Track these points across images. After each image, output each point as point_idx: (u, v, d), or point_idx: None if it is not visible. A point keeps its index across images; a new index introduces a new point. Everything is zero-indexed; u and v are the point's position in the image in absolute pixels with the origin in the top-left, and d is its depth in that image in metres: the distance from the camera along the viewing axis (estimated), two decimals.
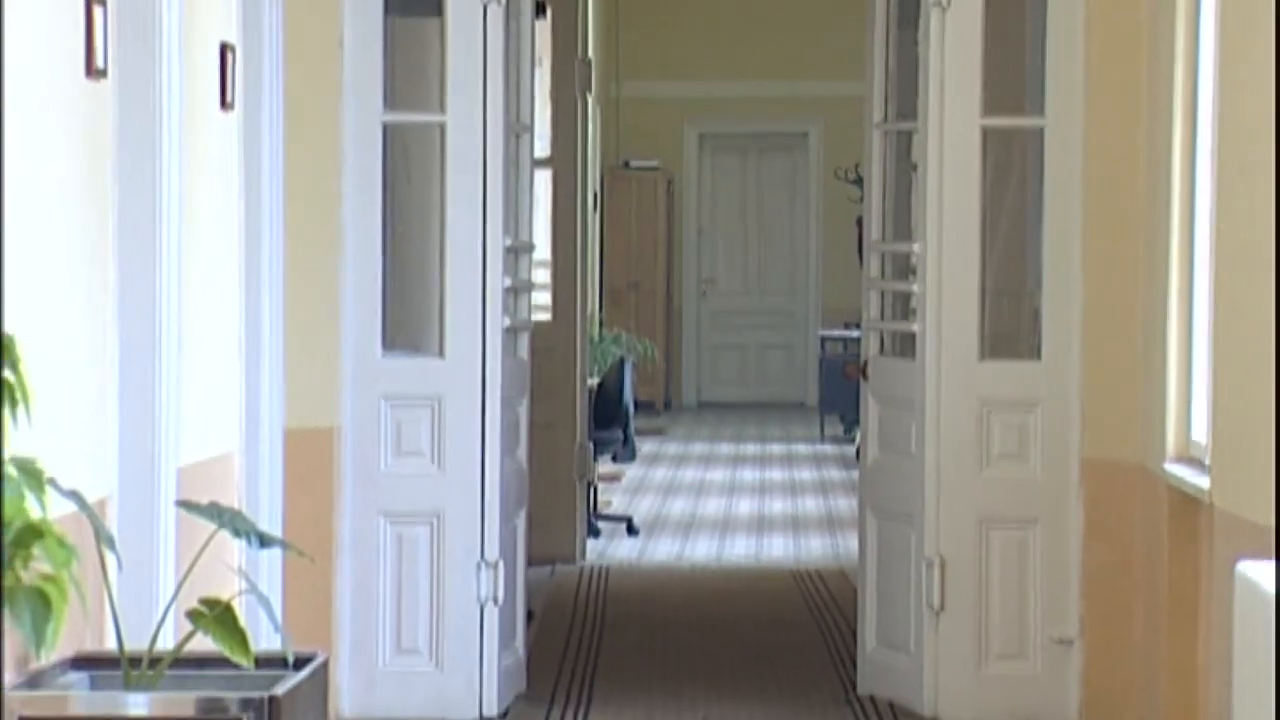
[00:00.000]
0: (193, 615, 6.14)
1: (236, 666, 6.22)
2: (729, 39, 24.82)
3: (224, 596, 6.55)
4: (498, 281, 9.81)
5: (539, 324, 12.19)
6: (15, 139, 5.98)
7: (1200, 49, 8.86)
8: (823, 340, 23.47)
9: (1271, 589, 6.19)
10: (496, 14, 9.76)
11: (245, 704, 5.89)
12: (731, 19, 24.63)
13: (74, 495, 5.62)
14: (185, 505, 7.17)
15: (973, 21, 9.73)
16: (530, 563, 10.86)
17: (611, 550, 15.62)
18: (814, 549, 15.88)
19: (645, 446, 21.62)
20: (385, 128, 9.93)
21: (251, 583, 7.57)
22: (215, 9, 8.45)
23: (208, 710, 6.04)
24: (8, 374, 4.38)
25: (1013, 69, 10.06)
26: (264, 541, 7.07)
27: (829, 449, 22.76)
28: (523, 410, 10.49)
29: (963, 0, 9.70)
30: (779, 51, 24.57)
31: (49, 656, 5.76)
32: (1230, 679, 6.89)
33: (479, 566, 9.65)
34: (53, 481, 4.96)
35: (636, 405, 19.15)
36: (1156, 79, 9.49)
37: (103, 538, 6.14)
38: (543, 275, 13.91)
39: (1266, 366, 7.40)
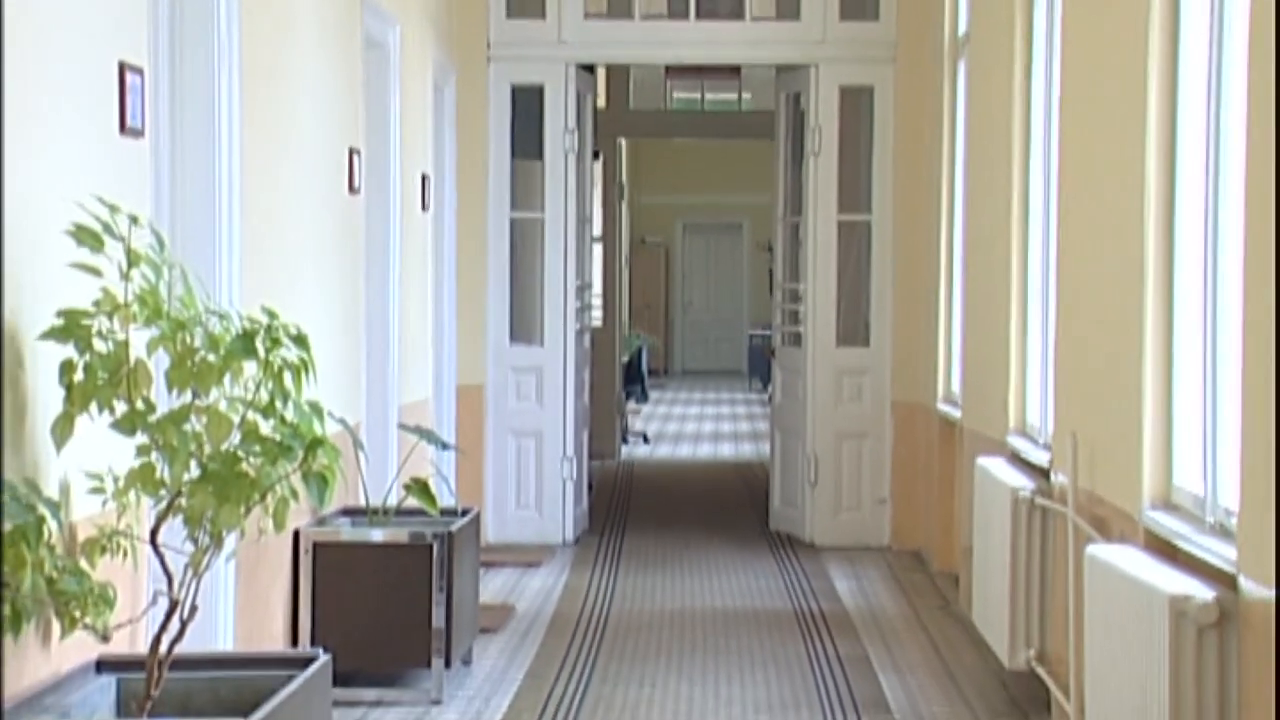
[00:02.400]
0: (406, 486, 7.14)
1: (429, 515, 7.40)
2: (699, 172, 34.30)
3: (423, 476, 7.85)
4: (572, 303, 13.21)
5: (595, 328, 16.07)
6: (321, 226, 8.34)
7: (956, 176, 11.65)
8: (750, 336, 32.23)
9: (993, 470, 8.74)
10: (571, 159, 13.10)
11: (435, 536, 7.95)
12: (700, 162, 33.81)
13: (341, 420, 6.42)
14: (403, 426, 9.69)
15: (832, 163, 13.06)
16: (590, 457, 14.49)
17: (634, 451, 20.88)
18: (745, 451, 21.26)
19: (653, 394, 29.32)
20: (511, 221, 13.17)
21: (438, 469, 10.26)
22: (417, 149, 10.89)
23: (413, 539, 8.02)
24: (304, 355, 4.94)
25: (853, 186, 13.23)
26: (444, 446, 9.39)
27: (753, 396, 29.94)
28: (585, 375, 13.81)
29: (826, 152, 13.01)
30: (726, 177, 34.01)
31: (327, 510, 7.25)
32: (972, 521, 9.41)
33: (562, 460, 13.25)
34: (329, 413, 5.29)
35: (649, 371, 27.93)
36: (932, 191, 12.46)
37: (357, 444, 7.65)
38: (597, 300, 18.04)
39: (989, 350, 10.10)
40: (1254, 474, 5.11)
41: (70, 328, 4.60)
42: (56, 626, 4.69)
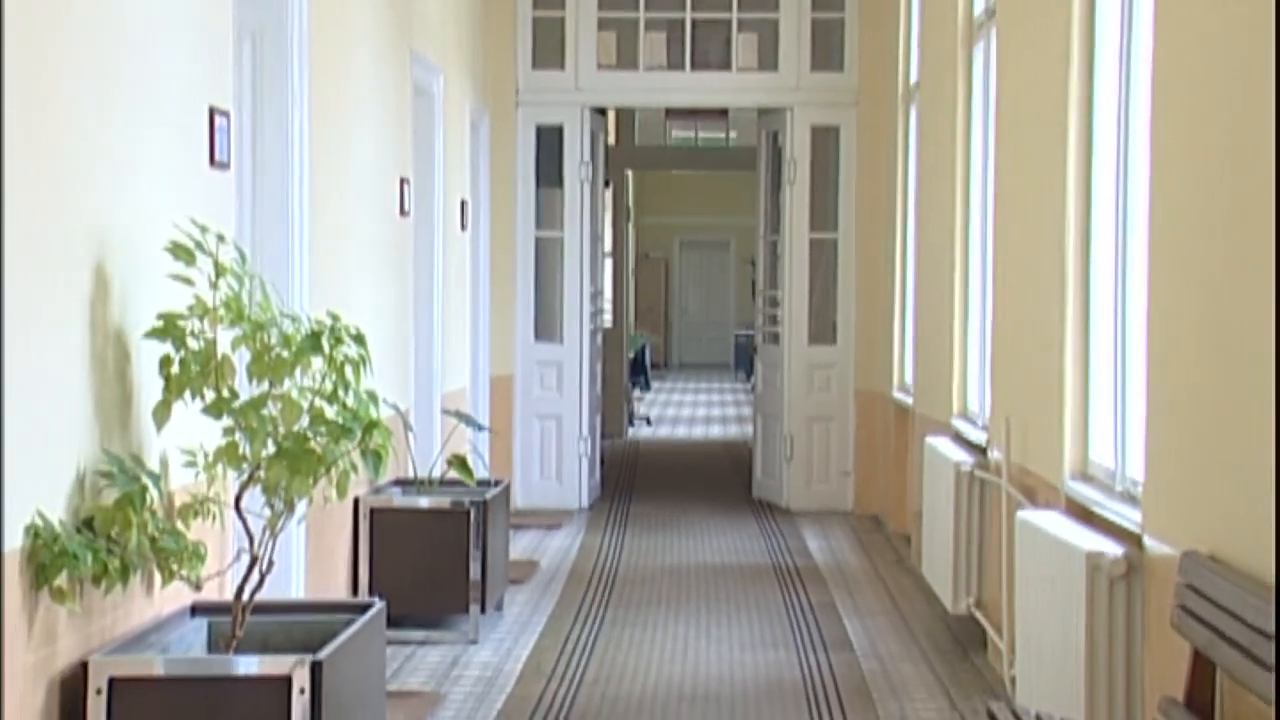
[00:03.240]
0: (448, 461, 7.88)
1: (467, 485, 7.94)
2: (693, 198, 34.05)
3: (462, 453, 8.79)
4: (586, 307, 13.20)
5: (606, 328, 15.83)
6: (376, 242, 8.35)
7: (909, 201, 11.55)
8: (736, 335, 32.12)
9: (939, 447, 8.71)
10: (586, 187, 13.08)
11: (472, 503, 8.00)
12: (694, 190, 33.49)
13: (393, 406, 7.13)
14: (445, 411, 9.79)
15: (804, 190, 13.07)
16: (602, 437, 14.47)
17: (638, 431, 20.80)
18: (731, 431, 21.19)
19: (655, 384, 29.52)
20: (536, 239, 13.21)
21: (474, 447, 10.73)
22: (456, 178, 10.95)
23: (454, 506, 8.02)
24: (362, 351, 4.97)
25: (822, 210, 13.18)
26: (479, 428, 9.60)
27: (739, 386, 29.34)
28: (597, 368, 13.81)
29: (800, 181, 13.00)
30: (716, 203, 33.63)
31: (381, 481, 7.05)
32: (921, 490, 9.40)
33: (578, 439, 13.21)
34: (383, 400, 5.44)
35: (651, 365, 28.84)
36: (888, 213, 12.39)
37: (406, 425, 8.31)
38: (607, 305, 17.57)
39: (935, 347, 10.16)
40: (1157, 450, 5.16)
41: (168, 328, 4.62)
42: (158, 578, 4.73)
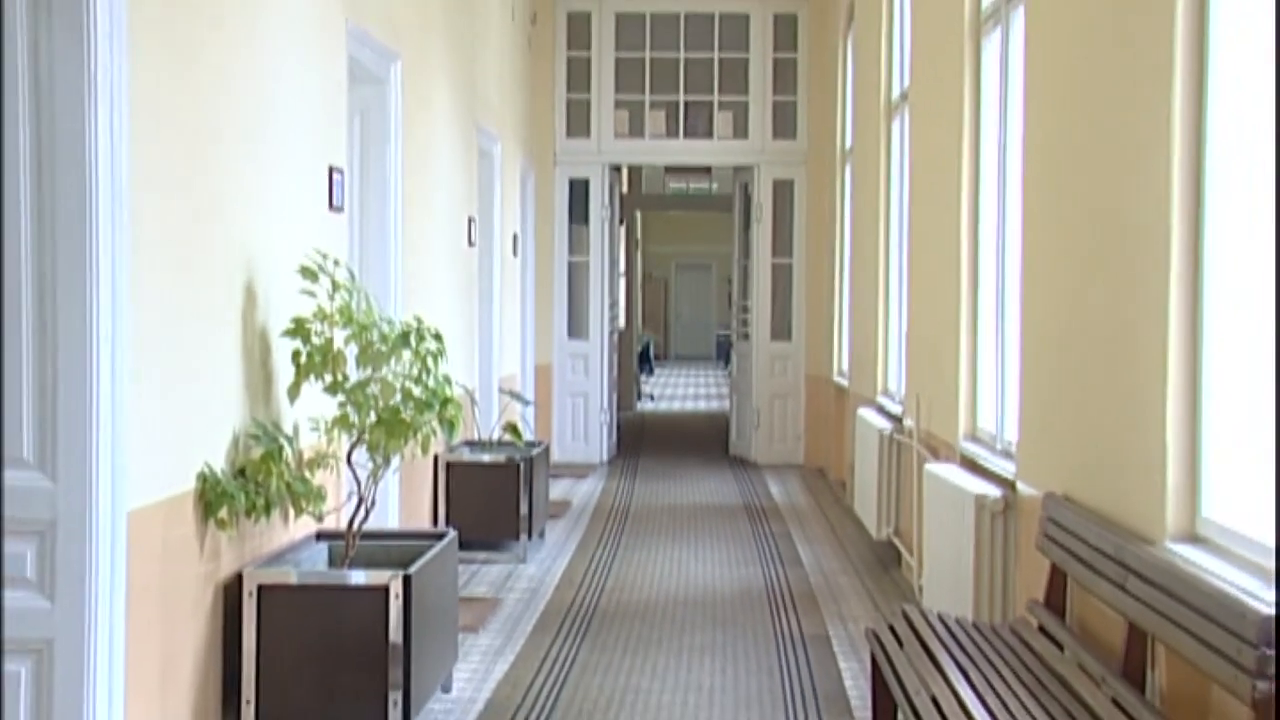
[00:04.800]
0: (504, 427, 8.27)
1: (518, 445, 8.15)
2: (685, 232, 33.39)
3: (514, 421, 8.96)
4: (606, 313, 13.16)
5: (620, 329, 15.55)
6: (451, 265, 8.09)
7: (845, 235, 11.57)
8: (717, 335, 32.35)
9: (867, 417, 8.70)
10: (605, 224, 13.01)
11: (521, 458, 8.00)
12: (686, 226, 32.95)
13: (463, 386, 7.24)
14: (501, 390, 9.77)
15: (768, 227, 12.91)
16: (618, 409, 14.31)
17: (644, 406, 20.52)
18: (714, 405, 21.04)
19: (656, 370, 29.20)
20: (569, 263, 13.13)
21: (523, 417, 10.50)
22: (511, 217, 10.94)
23: (509, 460, 7.97)
24: (440, 346, 5.00)
25: (781, 241, 13.00)
26: (527, 403, 9.58)
27: (720, 372, 28.86)
28: (614, 358, 13.68)
29: (765, 220, 12.84)
30: (703, 236, 32.60)
31: (454, 442, 7.63)
32: (854, 449, 9.39)
33: (600, 411, 13.11)
34: (456, 382, 5.62)
35: (654, 356, 28.50)
36: (829, 244, 12.35)
37: (472, 401, 8.37)
38: (622, 312, 17.34)
39: (864, 342, 10.11)
40: (1026, 419, 5.17)
41: (298, 329, 4.65)
42: (291, 513, 4.76)
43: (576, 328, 13.02)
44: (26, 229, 3.43)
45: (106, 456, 3.48)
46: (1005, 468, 5.46)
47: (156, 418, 3.82)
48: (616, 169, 13.51)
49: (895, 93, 8.89)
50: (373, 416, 4.74)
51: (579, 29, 12.74)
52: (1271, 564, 3.08)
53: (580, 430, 12.94)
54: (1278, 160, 3.10)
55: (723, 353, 28.14)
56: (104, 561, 3.48)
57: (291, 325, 4.64)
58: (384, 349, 4.77)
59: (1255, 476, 3.25)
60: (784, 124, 12.76)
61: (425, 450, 4.90)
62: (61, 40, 3.40)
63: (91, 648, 3.45)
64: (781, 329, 12.97)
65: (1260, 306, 3.22)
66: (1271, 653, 2.72)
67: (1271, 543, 3.09)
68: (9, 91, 3.39)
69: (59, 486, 3.44)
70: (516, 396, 9.28)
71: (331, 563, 4.98)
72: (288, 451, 4.53)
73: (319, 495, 4.68)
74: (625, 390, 17.65)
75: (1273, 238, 3.11)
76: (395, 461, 4.97)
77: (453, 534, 5.18)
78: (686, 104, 12.88)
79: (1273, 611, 2.78)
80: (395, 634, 4.36)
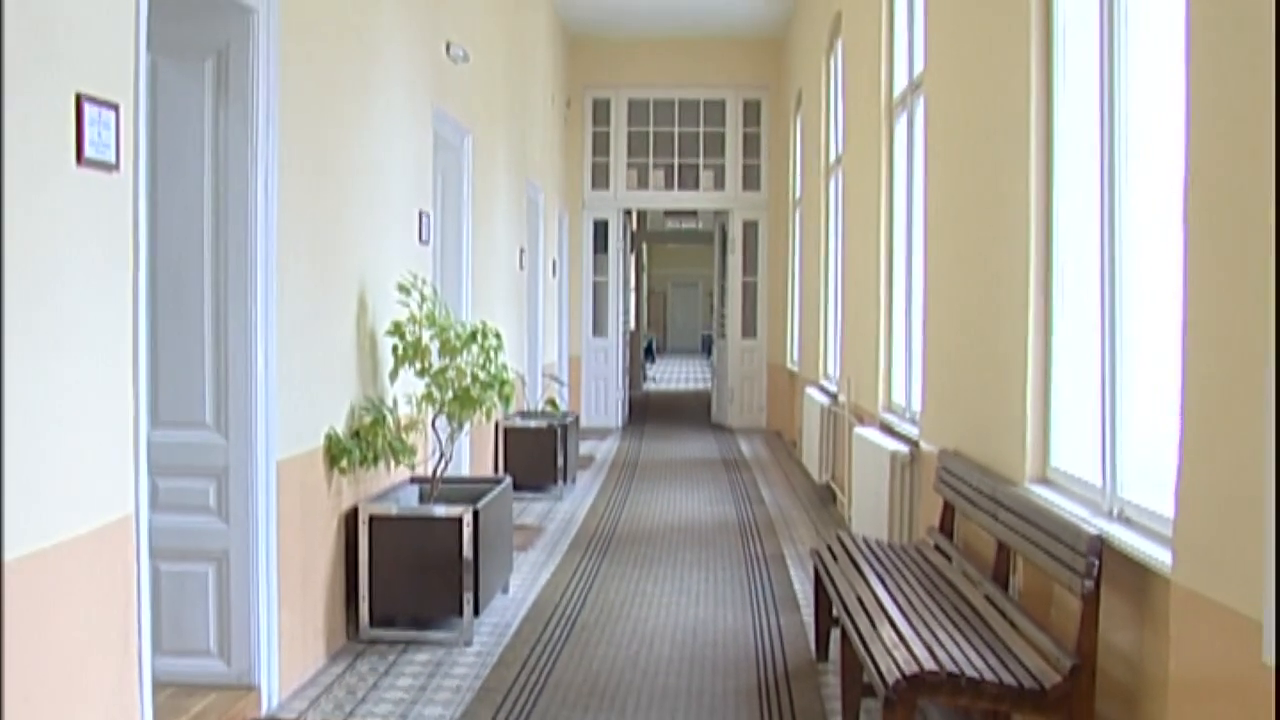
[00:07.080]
0: (546, 401, 8.38)
1: (556, 415, 8.16)
2: (679, 259, 31.80)
3: (553, 396, 8.92)
4: (621, 318, 12.78)
5: (631, 330, 15.57)
6: (507, 283, 7.80)
7: (795, 262, 11.23)
8: (703, 334, 31.99)
9: (812, 394, 8.43)
10: (620, 253, 12.61)
11: (559, 424, 7.70)
12: (680, 255, 31.38)
13: (516, 371, 7.13)
14: (544, 374, 9.61)
15: (739, 256, 12.47)
16: (629, 389, 14.00)
17: (649, 386, 19.71)
18: (700, 386, 20.35)
19: (657, 360, 28.99)
20: (593, 282, 12.70)
21: (560, 394, 10.18)
22: (550, 248, 10.45)
23: (550, 426, 7.77)
24: (499, 342, 4.88)
25: (750, 266, 12.55)
26: (562, 384, 9.61)
27: (705, 361, 28.72)
28: (627, 351, 13.17)
29: (736, 251, 12.44)
30: (692, 262, 31.41)
31: (510, 413, 7.45)
32: (802, 417, 9.22)
33: (616, 388, 12.71)
34: (512, 369, 5.88)
35: (655, 350, 28.48)
36: (785, 268, 11.99)
37: (523, 382, 8.28)
38: (632, 317, 16.82)
39: (810, 339, 9.76)
40: (929, 393, 5.12)
41: (396, 329, 4.62)
42: (392, 464, 4.71)
43: (599, 329, 12.87)
44: (208, 253, 3.50)
45: (262, 421, 3.53)
46: (912, 431, 5.41)
47: (298, 393, 3.83)
48: (628, 212, 13.38)
49: (832, 158, 8.81)
50: (450, 394, 4.72)
51: (601, 110, 12.66)
52: (1099, 498, 3.10)
53: (602, 404, 12.78)
54: (1103, 218, 3.13)
55: (706, 347, 28.01)
56: (261, 497, 3.53)
57: (391, 326, 4.63)
58: (458, 344, 4.76)
59: (1086, 437, 3.28)
60: (751, 179, 12.64)
61: (489, 418, 4.87)
62: (235, 122, 3.47)
63: (254, 557, 3.50)
64: (750, 329, 12.80)
65: (1088, 317, 3.25)
66: (1096, 561, 2.76)
67: (1098, 482, 3.11)
68: (195, 155, 3.46)
69: (229, 442, 3.50)
70: (554, 379, 9.24)
71: (421, 500, 4.96)
72: (389, 419, 4.52)
73: (411, 451, 4.66)
74: (635, 375, 17.35)
75: (1097, 269, 3.13)
76: (466, 426, 5.00)
77: (508, 479, 5.15)
78: (680, 165, 12.77)
79: (1098, 532, 2.82)
80: (468, 551, 4.35)
